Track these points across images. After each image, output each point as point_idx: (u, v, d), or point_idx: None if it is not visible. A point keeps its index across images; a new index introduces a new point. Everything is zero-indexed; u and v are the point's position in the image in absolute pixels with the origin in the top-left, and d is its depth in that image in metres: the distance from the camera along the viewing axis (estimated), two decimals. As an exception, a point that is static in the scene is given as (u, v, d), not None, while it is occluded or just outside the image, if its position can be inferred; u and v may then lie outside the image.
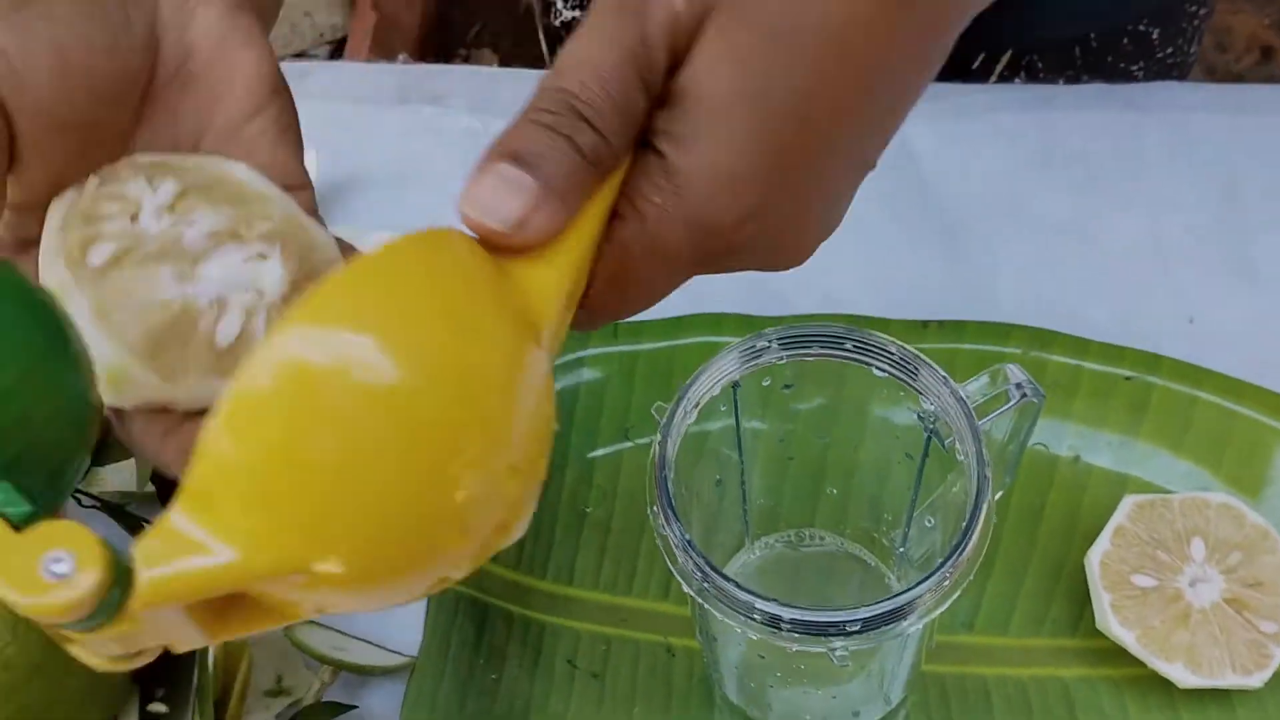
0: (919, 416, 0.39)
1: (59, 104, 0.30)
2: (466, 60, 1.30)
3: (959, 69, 0.59)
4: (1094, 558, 0.45)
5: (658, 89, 0.30)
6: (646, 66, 0.29)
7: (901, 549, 0.45)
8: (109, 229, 0.30)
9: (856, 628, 0.34)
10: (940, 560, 0.35)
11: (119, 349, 0.29)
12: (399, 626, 0.47)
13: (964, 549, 0.35)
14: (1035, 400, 0.39)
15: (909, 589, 0.35)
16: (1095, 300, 0.52)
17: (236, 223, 0.30)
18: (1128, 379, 0.49)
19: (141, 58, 0.32)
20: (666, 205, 0.30)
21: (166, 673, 0.46)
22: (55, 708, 0.43)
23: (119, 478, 0.50)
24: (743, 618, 0.35)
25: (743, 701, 0.44)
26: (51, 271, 0.30)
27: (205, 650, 0.45)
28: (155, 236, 0.30)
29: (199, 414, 0.29)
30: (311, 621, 0.47)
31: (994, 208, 0.55)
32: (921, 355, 0.38)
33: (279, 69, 0.33)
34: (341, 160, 0.57)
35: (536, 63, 1.31)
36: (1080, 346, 0.50)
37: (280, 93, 0.33)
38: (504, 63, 1.31)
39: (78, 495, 0.48)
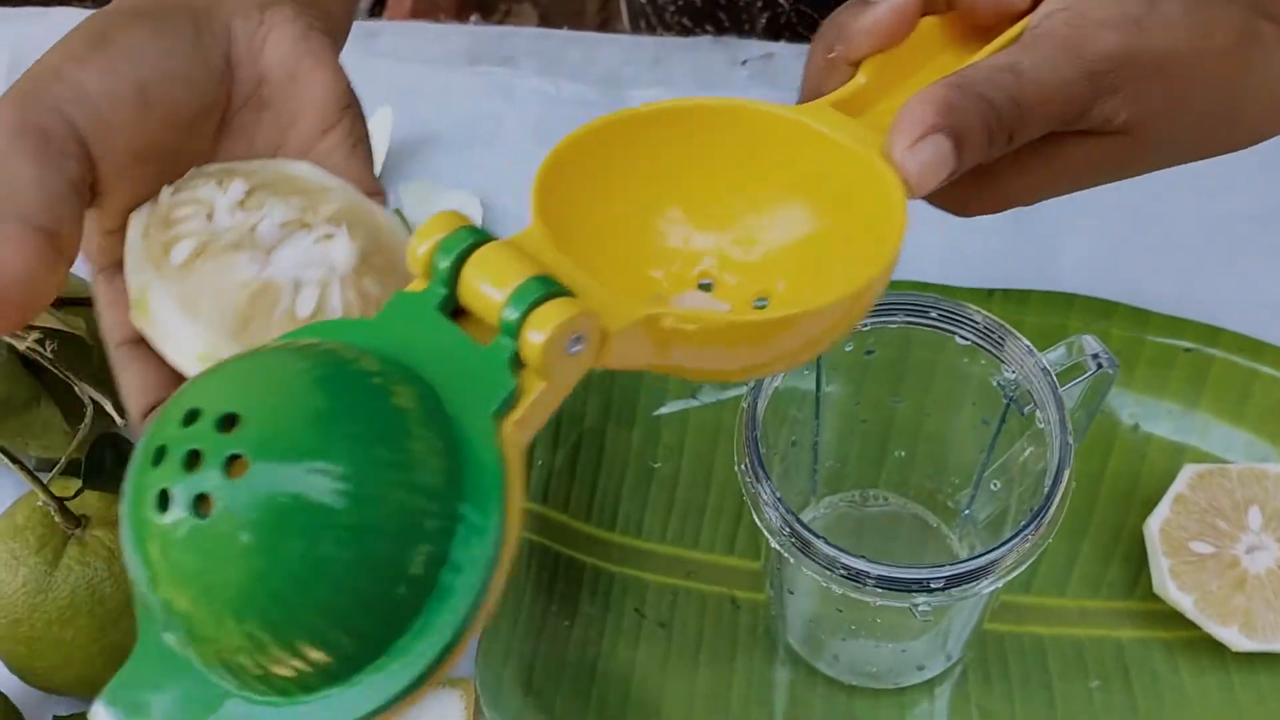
0: (999, 384, 0.40)
1: (141, 138, 0.32)
2: (507, 15, 1.30)
3: None
4: (1154, 524, 0.46)
5: None
6: (1070, 123, 0.33)
7: (967, 510, 0.46)
8: (187, 228, 0.32)
9: (940, 584, 0.36)
10: (1024, 521, 0.36)
11: (207, 333, 0.31)
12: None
13: (1046, 511, 0.36)
14: (1110, 371, 0.40)
15: (992, 549, 0.36)
16: (1155, 275, 0.53)
17: (304, 211, 0.32)
18: (1188, 351, 0.50)
19: (217, 88, 0.33)
20: None
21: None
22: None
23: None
24: (828, 572, 0.37)
25: (808, 653, 0.46)
26: (137, 275, 0.32)
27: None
28: (230, 229, 0.32)
29: None
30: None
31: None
32: (1006, 325, 0.39)
33: (349, 86, 0.35)
34: (415, 119, 0.58)
35: (576, 18, 1.31)
36: (1141, 318, 0.51)
37: (350, 108, 0.35)
38: (544, 18, 1.31)
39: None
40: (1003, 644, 0.46)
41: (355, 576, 0.24)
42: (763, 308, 0.31)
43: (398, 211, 0.56)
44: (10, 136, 0.31)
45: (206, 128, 0.34)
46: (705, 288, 0.32)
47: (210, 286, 0.31)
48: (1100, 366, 0.40)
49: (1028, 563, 0.37)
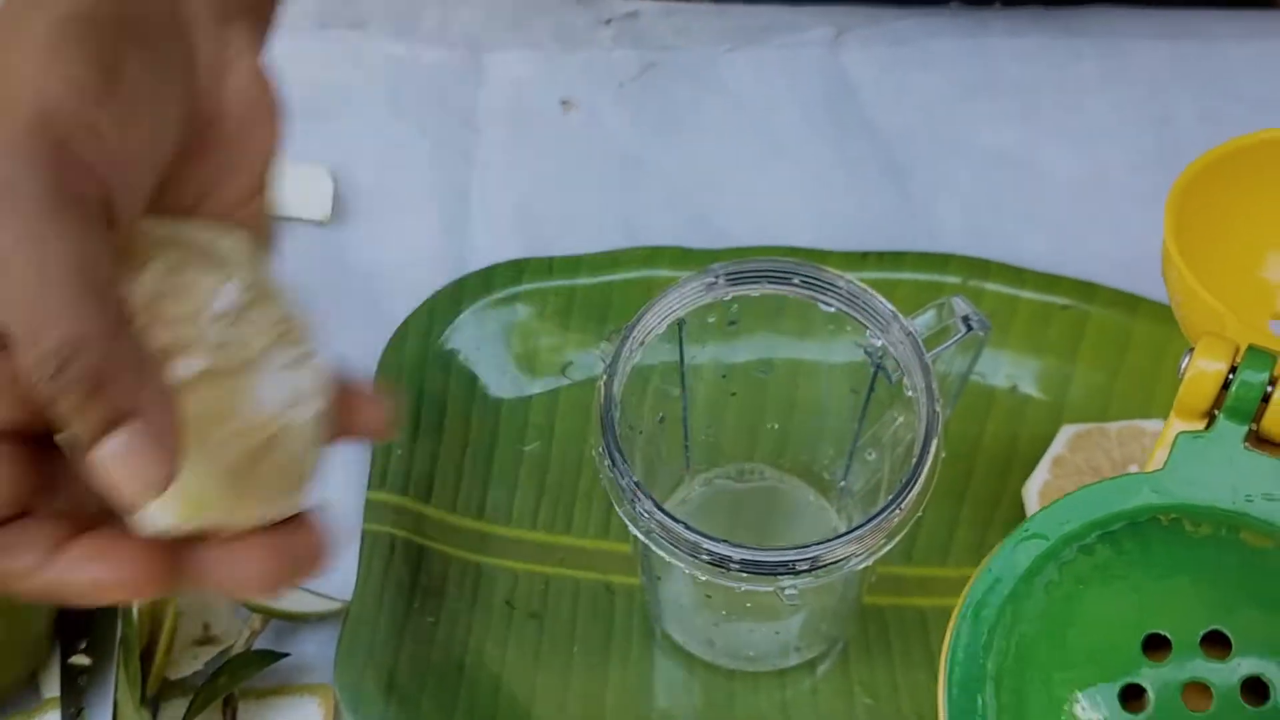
0: (866, 351, 0.38)
1: (145, 199, 0.26)
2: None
3: None
4: (1032, 487, 0.45)
5: None
6: None
7: (843, 482, 0.44)
8: (186, 334, 0.26)
9: (805, 566, 0.34)
10: (890, 496, 0.34)
11: (205, 476, 0.26)
12: (332, 571, 0.46)
13: (913, 485, 0.35)
14: (980, 333, 0.38)
15: (858, 526, 0.34)
16: (1033, 230, 0.52)
17: (289, 325, 0.28)
18: (1064, 308, 0.49)
19: (185, 126, 0.28)
20: None
21: (89, 624, 0.44)
22: (-28, 664, 0.41)
23: None
24: (690, 558, 0.35)
25: (684, 639, 0.44)
26: None
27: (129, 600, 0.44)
28: (230, 346, 0.27)
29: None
30: (240, 568, 0.46)
31: (930, 136, 0.55)
32: (870, 289, 0.37)
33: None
34: (258, 87, 0.55)
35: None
36: (1017, 276, 0.49)
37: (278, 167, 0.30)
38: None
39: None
40: (884, 618, 0.45)
41: None
42: None
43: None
44: (50, 206, 0.23)
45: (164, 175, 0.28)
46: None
47: (217, 420, 0.26)
48: (970, 328, 0.38)
49: (897, 538, 0.35)
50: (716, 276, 0.38)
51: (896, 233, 0.52)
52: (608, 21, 0.57)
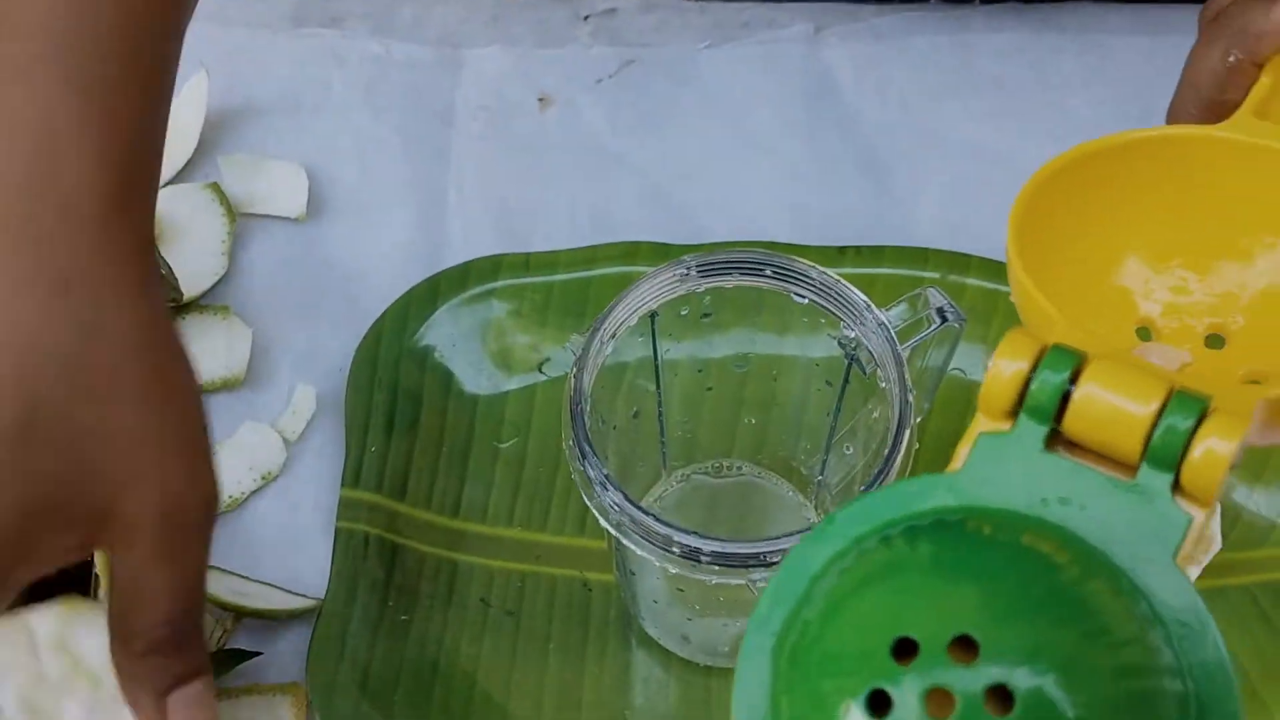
0: (839, 343, 0.38)
1: None
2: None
3: None
4: (1011, 483, 0.44)
5: None
6: None
7: (820, 477, 0.44)
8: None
9: (777, 559, 0.34)
10: (863, 487, 0.34)
11: None
12: (305, 569, 0.45)
13: (886, 476, 0.34)
14: (956, 324, 0.38)
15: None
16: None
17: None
18: (1044, 303, 0.48)
19: None
20: None
21: (60, 623, 0.44)
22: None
23: None
24: (661, 551, 0.35)
25: (660, 635, 0.44)
26: None
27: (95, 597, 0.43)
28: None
29: None
30: (211, 566, 0.45)
31: (909, 132, 0.54)
32: (843, 280, 0.37)
33: None
34: (235, 87, 0.55)
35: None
36: (997, 270, 0.49)
37: None
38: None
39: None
40: (862, 614, 0.44)
41: None
42: (1219, 348, 0.29)
43: (215, 186, 0.52)
44: None
45: None
46: (1142, 334, 0.30)
47: None
48: (945, 320, 0.38)
49: (871, 530, 0.35)
50: (689, 268, 0.38)
51: (876, 228, 0.52)
52: (586, 18, 0.57)
